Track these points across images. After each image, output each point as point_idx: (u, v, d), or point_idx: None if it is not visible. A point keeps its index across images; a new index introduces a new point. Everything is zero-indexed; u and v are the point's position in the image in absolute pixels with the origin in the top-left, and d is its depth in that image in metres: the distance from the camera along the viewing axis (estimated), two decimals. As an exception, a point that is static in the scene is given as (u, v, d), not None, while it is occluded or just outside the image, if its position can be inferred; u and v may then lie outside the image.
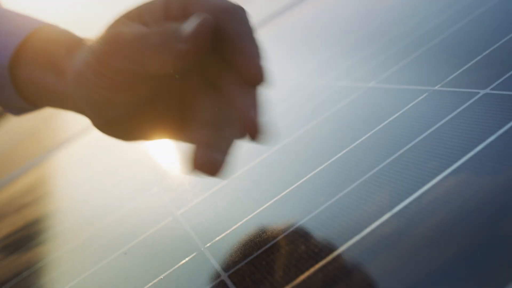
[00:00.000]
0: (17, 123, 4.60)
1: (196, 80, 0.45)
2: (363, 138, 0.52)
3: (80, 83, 0.42)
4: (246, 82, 0.41)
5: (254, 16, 2.04)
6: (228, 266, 0.43)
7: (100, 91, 0.42)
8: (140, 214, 0.68)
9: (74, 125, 2.16)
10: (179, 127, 0.48)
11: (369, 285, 0.33)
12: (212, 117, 0.43)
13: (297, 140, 0.61)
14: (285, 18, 1.73)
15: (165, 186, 0.72)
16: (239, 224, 0.49)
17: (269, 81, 0.42)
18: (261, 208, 0.50)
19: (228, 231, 0.49)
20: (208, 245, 0.49)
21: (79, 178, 1.12)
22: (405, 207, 0.38)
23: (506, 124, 0.41)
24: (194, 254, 0.48)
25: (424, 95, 0.54)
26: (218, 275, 0.43)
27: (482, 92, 0.48)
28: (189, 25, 0.39)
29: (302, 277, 0.37)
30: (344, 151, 0.52)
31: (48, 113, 3.71)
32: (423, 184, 0.39)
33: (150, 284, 0.47)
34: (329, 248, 0.38)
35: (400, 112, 0.54)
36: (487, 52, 0.56)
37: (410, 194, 0.39)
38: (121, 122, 0.45)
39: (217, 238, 0.49)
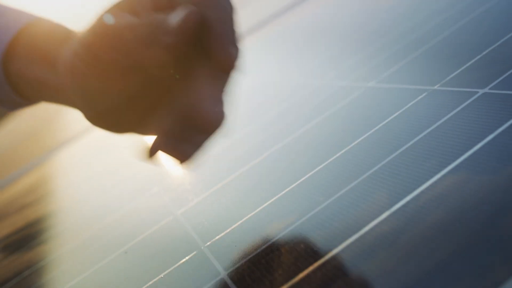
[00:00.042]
0: (18, 124, 4.61)
1: (178, 71, 0.45)
2: (363, 137, 0.53)
3: (71, 74, 0.43)
4: (218, 68, 0.41)
5: (255, 16, 2.04)
6: (228, 264, 0.44)
7: (90, 81, 0.42)
8: (140, 213, 0.68)
9: (75, 125, 2.17)
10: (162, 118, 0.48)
11: (368, 284, 0.33)
12: (181, 109, 0.44)
13: (297, 140, 0.62)
14: (285, 18, 1.73)
15: (165, 186, 0.73)
16: (238, 223, 0.49)
17: (242, 68, 0.42)
18: (261, 207, 0.50)
19: (228, 230, 0.49)
20: (208, 244, 0.49)
21: (80, 178, 1.12)
22: (404, 205, 0.38)
23: (505, 123, 0.41)
24: (194, 253, 0.49)
25: (424, 94, 0.55)
26: (218, 274, 0.43)
27: (481, 91, 0.49)
28: (175, 18, 0.40)
29: (301, 275, 0.37)
30: (344, 150, 0.52)
31: (48, 113, 3.71)
32: (422, 183, 0.39)
33: (150, 282, 0.48)
34: (328, 246, 0.39)
35: (400, 111, 0.54)
36: (486, 51, 0.56)
37: (409, 192, 0.39)
38: (112, 114, 0.45)
39: (217, 237, 0.49)
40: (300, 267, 0.38)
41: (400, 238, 0.35)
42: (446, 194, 0.37)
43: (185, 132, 0.43)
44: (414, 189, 0.39)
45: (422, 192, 0.38)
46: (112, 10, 0.42)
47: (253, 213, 0.50)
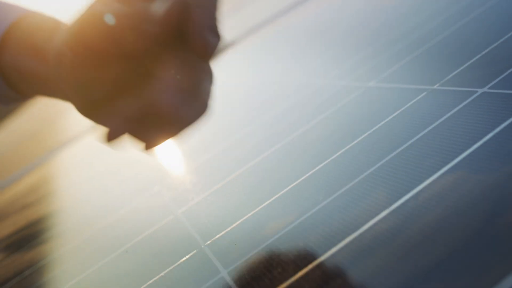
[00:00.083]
0: (19, 125, 4.61)
1: (160, 59, 0.46)
2: (363, 136, 0.53)
3: (61, 63, 0.43)
4: (196, 55, 0.41)
5: (256, 16, 2.05)
6: (228, 263, 0.44)
7: (80, 70, 0.43)
8: (141, 213, 0.68)
9: (76, 126, 2.17)
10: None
11: (367, 281, 0.33)
12: (148, 96, 0.44)
13: (297, 139, 0.62)
14: (286, 19, 1.74)
15: (166, 185, 0.73)
16: (239, 222, 0.50)
17: (218, 54, 0.42)
18: (261, 206, 0.50)
19: (228, 229, 0.49)
20: (208, 242, 0.49)
21: (81, 178, 1.12)
22: (403, 204, 0.38)
23: (504, 122, 0.41)
24: (195, 251, 0.49)
25: (423, 94, 0.55)
26: (218, 272, 0.43)
27: (480, 90, 0.49)
28: (160, 6, 0.40)
29: (300, 273, 0.37)
30: (344, 149, 0.52)
31: (49, 114, 3.71)
32: (421, 182, 0.40)
33: (151, 281, 0.48)
34: (327, 245, 0.39)
35: (399, 111, 0.54)
36: (485, 51, 0.57)
37: (408, 191, 0.39)
38: (102, 104, 0.45)
39: (217, 236, 0.49)
40: (299, 266, 0.38)
41: (399, 237, 0.35)
42: (445, 193, 0.37)
43: (151, 119, 0.43)
44: (413, 188, 0.39)
45: (421, 190, 0.39)
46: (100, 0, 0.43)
47: (253, 212, 0.50)
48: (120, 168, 1.00)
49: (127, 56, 0.42)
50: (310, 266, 0.37)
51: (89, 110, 0.45)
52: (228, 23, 2.56)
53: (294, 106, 0.75)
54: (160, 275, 0.48)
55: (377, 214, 0.39)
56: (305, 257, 0.39)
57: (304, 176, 0.51)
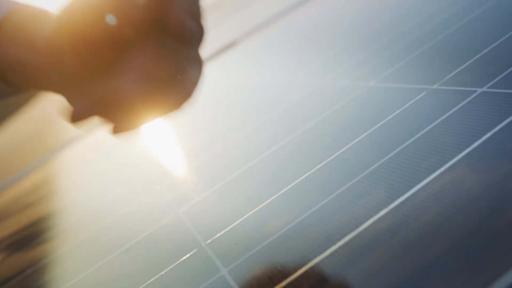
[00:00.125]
0: (21, 125, 4.62)
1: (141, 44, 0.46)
2: (363, 136, 0.53)
3: (50, 50, 0.44)
4: (174, 39, 0.41)
5: (257, 17, 2.05)
6: (228, 262, 0.44)
7: (68, 56, 0.43)
8: (142, 212, 0.68)
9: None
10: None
11: (366, 279, 0.33)
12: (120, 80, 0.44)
13: (297, 139, 0.62)
14: (287, 19, 1.74)
15: (167, 184, 0.73)
16: (239, 221, 0.50)
17: (198, 38, 0.42)
18: (261, 206, 0.50)
19: (229, 228, 0.50)
20: (208, 241, 0.49)
21: (83, 177, 1.13)
22: (402, 202, 0.39)
23: (502, 121, 0.42)
24: (195, 250, 0.49)
25: (423, 93, 0.55)
26: (218, 271, 0.43)
27: (479, 90, 0.49)
28: None
29: (300, 271, 0.38)
30: (344, 149, 0.53)
31: (51, 114, 3.72)
32: (420, 181, 0.40)
33: (151, 279, 0.48)
34: (326, 243, 0.39)
35: (399, 110, 0.54)
36: (484, 51, 0.57)
37: (407, 190, 0.40)
38: (76, 85, 0.45)
39: (218, 235, 0.49)
40: (299, 264, 0.38)
41: (398, 235, 0.35)
42: (443, 192, 0.37)
43: (120, 104, 0.43)
44: (412, 187, 0.40)
45: (420, 189, 0.39)
46: None
47: (253, 211, 0.50)
48: (122, 168, 1.01)
49: (112, 42, 0.43)
50: (309, 265, 0.38)
51: (76, 98, 0.45)
52: (230, 23, 2.56)
53: (293, 107, 0.75)
54: (161, 273, 0.48)
55: (376, 212, 0.39)
56: (305, 256, 0.39)
57: (304, 176, 0.52)
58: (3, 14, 0.50)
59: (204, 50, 2.11)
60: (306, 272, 0.37)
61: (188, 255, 0.49)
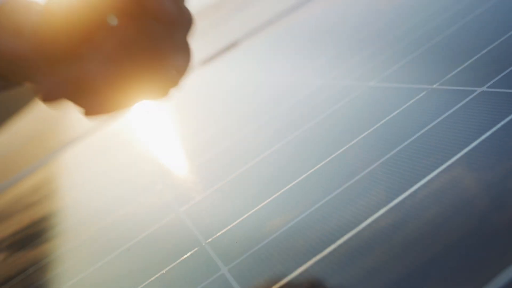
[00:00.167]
0: (22, 126, 4.63)
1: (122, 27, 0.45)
2: (363, 135, 0.53)
3: (37, 37, 0.44)
4: (155, 20, 0.41)
5: (258, 17, 2.05)
6: (228, 260, 0.44)
7: (56, 42, 0.43)
8: (143, 211, 0.69)
9: (79, 126, 2.18)
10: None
11: (365, 277, 0.33)
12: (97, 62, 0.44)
13: (297, 139, 0.62)
14: (288, 20, 1.74)
15: (168, 184, 0.73)
16: (239, 220, 0.50)
17: (183, 23, 0.42)
18: (261, 205, 0.51)
19: (229, 227, 0.50)
20: (209, 240, 0.49)
21: (84, 177, 1.13)
22: (401, 202, 0.39)
23: (501, 120, 0.42)
24: (196, 249, 0.49)
25: (423, 93, 0.55)
26: (218, 270, 0.44)
27: (478, 90, 0.49)
28: None
29: (299, 269, 0.38)
30: (344, 148, 0.53)
31: (52, 115, 3.72)
32: (419, 180, 0.40)
33: (152, 278, 0.48)
34: (326, 242, 0.39)
35: (399, 110, 0.54)
36: (484, 51, 0.57)
37: (406, 189, 0.40)
38: (63, 74, 0.45)
39: (218, 234, 0.50)
40: (298, 262, 0.39)
41: (397, 234, 0.36)
42: (442, 190, 0.37)
43: (89, 85, 0.43)
44: (411, 185, 0.40)
45: (419, 188, 0.39)
46: None
47: (253, 210, 0.50)
48: (123, 168, 1.01)
49: (96, 27, 0.43)
50: (309, 263, 0.38)
51: (63, 88, 0.45)
52: (232, 23, 2.57)
53: (294, 107, 0.76)
54: (162, 272, 0.48)
55: (375, 211, 0.39)
56: (305, 254, 0.39)
57: (304, 175, 0.52)
58: None
59: (205, 51, 2.11)
60: (305, 270, 0.37)
61: (188, 254, 0.49)
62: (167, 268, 0.49)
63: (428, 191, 0.38)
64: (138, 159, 1.01)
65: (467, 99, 0.48)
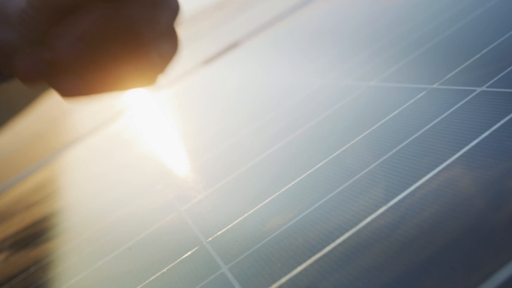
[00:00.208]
0: (25, 125, 4.64)
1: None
2: (363, 135, 0.53)
3: (23, 21, 0.44)
4: (136, 1, 0.41)
5: (259, 18, 2.05)
6: (229, 259, 0.44)
7: (41, 27, 0.43)
8: (145, 210, 0.69)
9: (80, 126, 2.18)
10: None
11: (364, 275, 0.34)
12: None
13: (297, 139, 0.62)
14: (288, 20, 1.74)
15: (170, 183, 0.74)
16: (239, 219, 0.50)
17: (167, 7, 0.41)
18: (261, 204, 0.51)
19: (229, 226, 0.50)
20: (209, 239, 0.50)
21: (86, 177, 1.13)
22: (400, 200, 0.39)
23: (501, 120, 0.42)
24: (197, 248, 0.49)
25: (423, 93, 0.55)
26: (218, 268, 0.44)
27: (478, 89, 0.49)
28: None
29: (299, 268, 0.38)
30: (344, 147, 0.53)
31: (54, 115, 3.73)
32: (418, 179, 0.40)
33: (153, 277, 0.49)
34: (326, 240, 0.40)
35: (399, 109, 0.55)
36: (484, 51, 0.57)
37: (405, 188, 0.40)
38: (40, 52, 0.45)
39: (219, 233, 0.50)
40: (298, 260, 0.39)
41: (396, 232, 0.36)
42: (441, 189, 0.37)
43: (61, 63, 0.43)
44: (411, 184, 0.40)
45: (418, 187, 0.39)
46: None
47: (254, 210, 0.51)
48: (125, 167, 1.01)
49: (73, 4, 0.42)
50: (308, 261, 0.38)
51: (47, 72, 0.44)
52: (234, 23, 2.57)
53: (294, 106, 0.76)
54: (163, 271, 0.49)
55: (375, 210, 0.40)
56: (304, 252, 0.39)
57: (304, 174, 0.52)
58: None
59: (206, 51, 2.11)
60: (305, 269, 0.38)
61: (189, 253, 0.49)
62: (168, 267, 0.49)
63: (427, 190, 0.38)
64: (139, 158, 1.02)
65: (467, 99, 0.49)
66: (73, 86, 0.43)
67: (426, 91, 0.55)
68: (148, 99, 1.79)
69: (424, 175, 0.40)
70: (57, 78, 0.43)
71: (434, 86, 0.56)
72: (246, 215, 0.50)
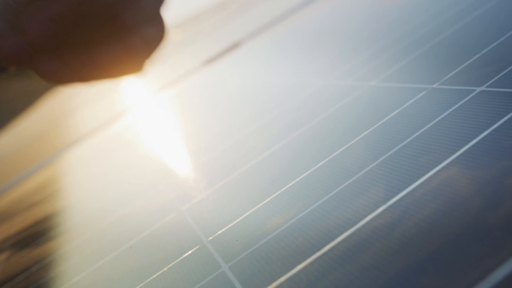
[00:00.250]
0: (27, 126, 4.64)
1: None
2: (363, 134, 0.54)
3: (5, 10, 0.43)
4: None
5: (260, 18, 2.05)
6: (229, 258, 0.45)
7: (17, 9, 0.42)
8: (146, 210, 0.69)
9: (82, 126, 2.19)
10: None
11: (363, 274, 0.34)
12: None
13: (298, 138, 0.63)
14: (290, 20, 1.74)
15: (171, 183, 0.74)
16: (240, 218, 0.51)
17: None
18: (262, 203, 0.51)
19: (230, 225, 0.50)
20: (210, 238, 0.50)
21: (87, 177, 1.14)
22: (400, 199, 0.39)
23: (500, 119, 0.42)
24: (197, 247, 0.50)
25: (423, 93, 0.56)
26: (219, 267, 0.44)
27: (478, 89, 0.49)
28: None
29: (299, 266, 0.38)
30: (344, 147, 0.53)
31: (55, 115, 3.74)
32: (418, 178, 0.40)
33: (154, 276, 0.49)
34: (325, 239, 0.40)
35: (399, 109, 0.55)
36: (484, 51, 0.57)
37: (405, 187, 0.40)
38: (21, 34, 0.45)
39: (219, 232, 0.50)
40: (298, 259, 0.39)
41: (395, 231, 0.36)
42: (441, 189, 0.38)
43: (38, 43, 0.41)
44: (410, 184, 0.40)
45: (417, 186, 0.39)
46: None
47: (254, 209, 0.51)
48: (126, 167, 1.02)
49: None
50: (308, 260, 0.38)
51: (30, 56, 0.44)
52: (235, 23, 2.57)
53: (295, 106, 0.76)
54: (163, 270, 0.49)
55: (374, 209, 0.40)
56: (304, 251, 0.40)
57: (305, 174, 0.52)
58: None
59: (208, 51, 2.11)
60: (305, 268, 0.38)
61: (190, 252, 0.49)
62: (169, 266, 0.49)
63: (427, 189, 0.38)
64: (141, 158, 1.02)
65: (467, 98, 0.49)
66: (53, 69, 0.42)
67: (426, 91, 0.56)
68: (149, 99, 1.80)
69: (423, 174, 0.40)
70: (37, 61, 0.42)
71: (434, 86, 0.56)
72: (246, 214, 0.51)
